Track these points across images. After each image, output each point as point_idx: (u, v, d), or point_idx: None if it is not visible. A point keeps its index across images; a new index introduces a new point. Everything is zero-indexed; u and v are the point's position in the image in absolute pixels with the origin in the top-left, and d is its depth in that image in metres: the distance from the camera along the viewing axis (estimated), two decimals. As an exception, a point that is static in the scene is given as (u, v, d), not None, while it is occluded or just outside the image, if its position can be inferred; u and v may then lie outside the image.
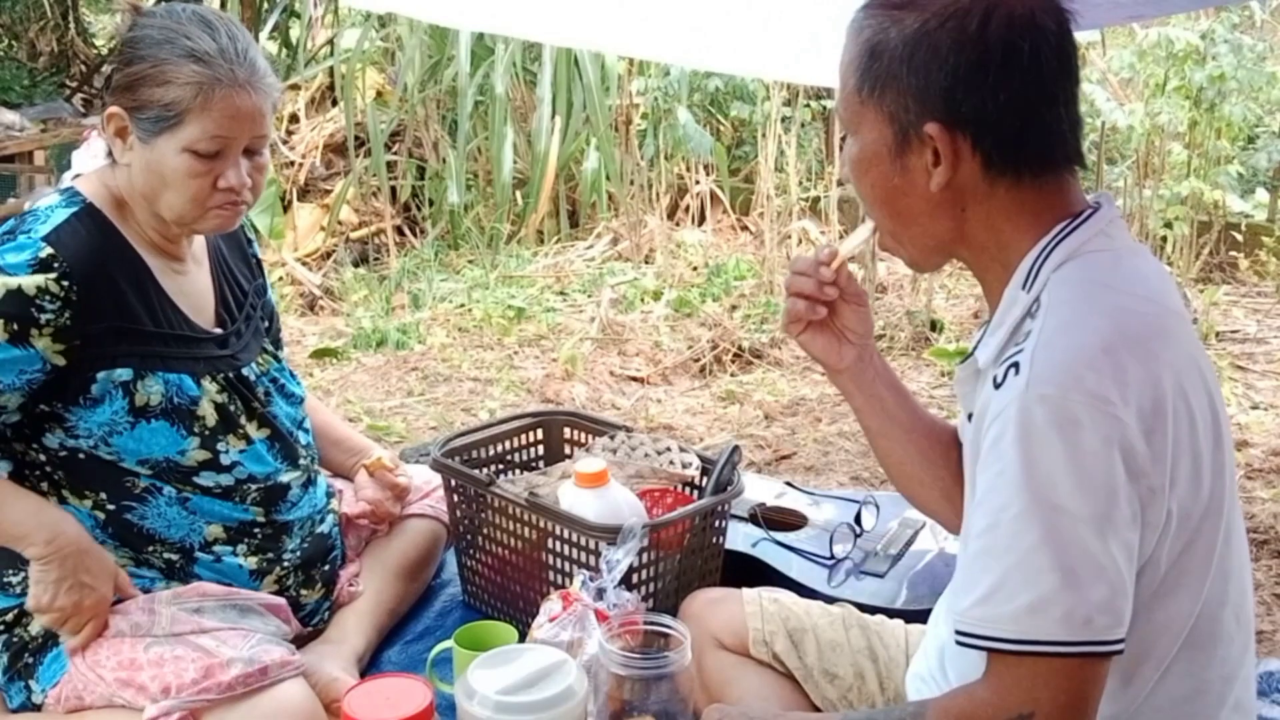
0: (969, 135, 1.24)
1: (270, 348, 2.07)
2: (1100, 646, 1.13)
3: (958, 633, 1.19)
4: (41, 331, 1.73)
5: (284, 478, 1.99)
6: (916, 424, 1.59)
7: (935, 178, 1.26)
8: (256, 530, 1.95)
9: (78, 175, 1.92)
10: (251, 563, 1.94)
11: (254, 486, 1.93)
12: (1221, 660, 1.27)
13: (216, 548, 1.91)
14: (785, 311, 1.54)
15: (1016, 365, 1.18)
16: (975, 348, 1.35)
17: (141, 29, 1.78)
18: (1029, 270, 1.26)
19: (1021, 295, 1.27)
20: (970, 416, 1.36)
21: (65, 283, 1.73)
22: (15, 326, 1.72)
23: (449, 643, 1.91)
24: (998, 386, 1.20)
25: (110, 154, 1.85)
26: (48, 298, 1.72)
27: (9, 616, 1.84)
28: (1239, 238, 4.90)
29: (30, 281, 1.71)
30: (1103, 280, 1.23)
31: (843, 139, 1.32)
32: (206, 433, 1.88)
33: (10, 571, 1.83)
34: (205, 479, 1.88)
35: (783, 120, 5.13)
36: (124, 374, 1.81)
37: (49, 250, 1.73)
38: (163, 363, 1.84)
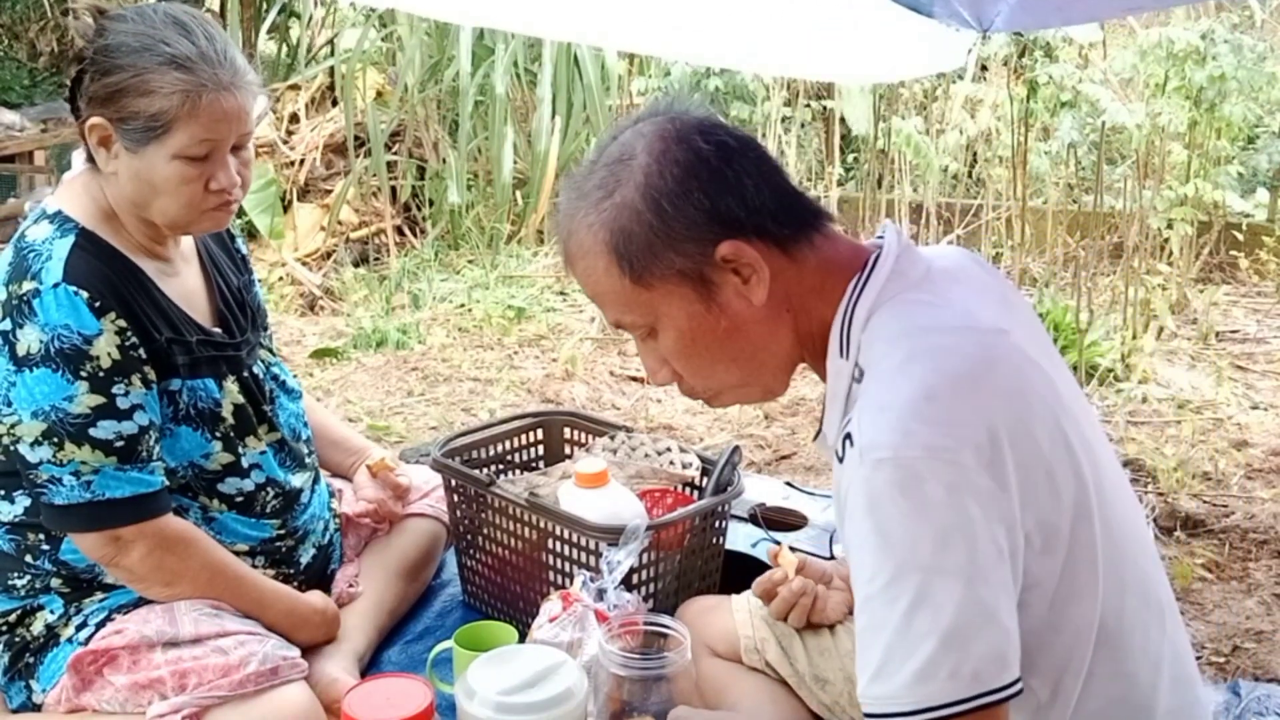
0: (751, 233, 1.25)
1: (267, 343, 2.09)
2: (993, 695, 1.11)
3: (866, 715, 1.17)
4: (146, 367, 1.77)
5: (295, 482, 2.01)
6: None
7: (755, 290, 1.26)
8: (278, 544, 1.98)
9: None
10: (270, 575, 1.96)
11: (271, 492, 1.95)
12: (1141, 649, 1.26)
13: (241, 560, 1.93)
14: (795, 623, 1.71)
15: (849, 436, 1.16)
16: (820, 428, 1.34)
17: (115, 35, 1.73)
18: (839, 337, 1.26)
19: (841, 364, 1.26)
20: None
21: (118, 316, 1.74)
22: (141, 375, 1.76)
23: (449, 643, 1.91)
24: (840, 461, 1.18)
25: (90, 159, 1.81)
26: (126, 335, 1.74)
27: (11, 617, 1.85)
28: (1239, 237, 4.91)
29: (111, 329, 1.72)
30: (912, 324, 1.22)
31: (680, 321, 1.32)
32: (231, 434, 1.89)
33: (15, 574, 1.84)
34: (228, 486, 1.90)
35: (783, 120, 5.13)
36: (174, 384, 1.83)
37: (84, 292, 1.71)
38: (191, 369, 1.85)
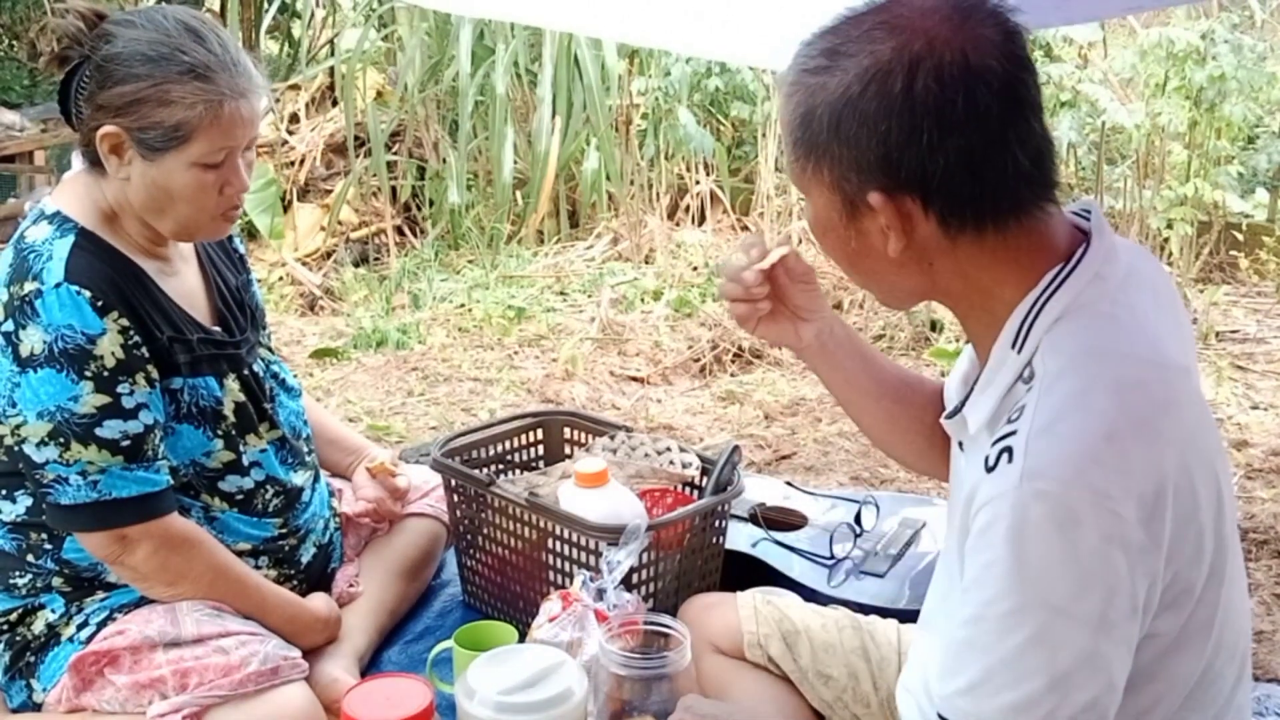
0: (917, 197, 1.15)
1: (266, 342, 2.09)
2: None
3: (939, 716, 1.16)
4: (149, 365, 1.77)
5: (296, 480, 2.01)
6: (883, 390, 1.55)
7: (891, 243, 1.19)
8: (280, 543, 1.98)
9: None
10: (272, 574, 1.97)
11: (272, 490, 1.95)
12: (1213, 698, 1.24)
13: (244, 560, 1.93)
14: (732, 314, 1.50)
15: (1010, 451, 1.11)
16: (963, 404, 1.27)
17: (128, 43, 1.72)
18: (1019, 329, 1.18)
19: (1011, 355, 1.19)
20: (960, 445, 1.32)
21: (120, 315, 1.74)
22: (145, 374, 1.76)
23: (449, 643, 1.91)
24: (989, 470, 1.13)
25: (88, 161, 1.81)
26: (129, 334, 1.74)
27: (12, 616, 1.85)
28: (1239, 237, 4.91)
29: (115, 329, 1.72)
30: (1102, 346, 1.15)
31: None
32: (232, 432, 1.90)
33: (17, 573, 1.84)
34: (229, 484, 1.90)
35: (783, 120, 5.12)
36: (175, 382, 1.83)
37: (86, 291, 1.71)
38: (192, 367, 1.85)
